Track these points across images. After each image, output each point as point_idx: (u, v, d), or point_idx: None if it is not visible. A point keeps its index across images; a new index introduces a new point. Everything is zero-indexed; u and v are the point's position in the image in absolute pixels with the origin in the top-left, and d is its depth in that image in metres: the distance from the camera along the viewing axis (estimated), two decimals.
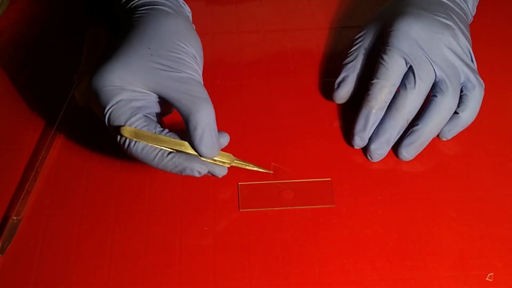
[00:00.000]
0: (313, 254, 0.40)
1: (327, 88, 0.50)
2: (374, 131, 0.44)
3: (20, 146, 0.47)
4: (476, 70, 0.45)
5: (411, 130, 0.44)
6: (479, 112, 0.46)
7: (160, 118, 0.42)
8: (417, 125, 0.43)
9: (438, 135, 0.45)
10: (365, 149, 0.45)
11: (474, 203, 0.43)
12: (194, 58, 0.41)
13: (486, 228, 0.41)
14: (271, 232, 0.41)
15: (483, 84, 0.44)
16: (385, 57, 0.44)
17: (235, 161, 0.41)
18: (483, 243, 0.41)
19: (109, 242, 0.41)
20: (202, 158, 0.38)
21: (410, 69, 0.43)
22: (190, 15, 0.46)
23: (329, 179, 0.44)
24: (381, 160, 0.45)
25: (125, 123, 0.38)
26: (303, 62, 0.52)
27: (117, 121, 0.38)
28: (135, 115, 0.38)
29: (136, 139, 0.37)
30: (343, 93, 0.47)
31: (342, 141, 0.46)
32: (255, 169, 0.42)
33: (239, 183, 0.44)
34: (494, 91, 0.49)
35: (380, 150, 0.44)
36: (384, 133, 0.44)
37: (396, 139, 0.44)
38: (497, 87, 0.50)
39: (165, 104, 0.40)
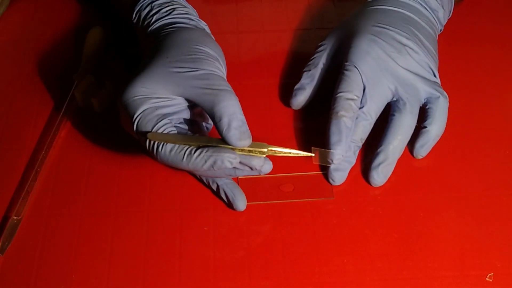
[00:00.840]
0: (313, 254, 0.40)
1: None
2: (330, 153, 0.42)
3: (20, 146, 0.47)
4: (439, 83, 0.45)
5: (376, 152, 0.43)
6: (479, 112, 0.45)
7: (195, 126, 0.42)
8: (380, 146, 0.43)
9: (412, 154, 0.45)
10: (326, 173, 0.44)
11: (474, 203, 0.43)
12: (214, 57, 0.41)
13: (486, 228, 0.41)
14: (271, 232, 0.41)
15: (447, 96, 0.44)
16: (346, 72, 0.43)
17: (271, 148, 0.38)
18: (483, 243, 0.41)
19: (109, 242, 0.41)
20: (235, 151, 0.37)
21: (364, 89, 0.43)
22: (207, 28, 0.47)
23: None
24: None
25: (152, 129, 0.37)
26: (303, 62, 0.52)
27: (145, 128, 0.38)
28: (161, 120, 0.38)
29: (163, 141, 0.37)
30: (300, 100, 0.47)
31: None
32: (297, 154, 0.39)
33: (239, 177, 0.44)
34: (494, 91, 0.49)
35: (340, 171, 0.43)
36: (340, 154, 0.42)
37: (354, 159, 0.43)
38: (497, 87, 0.50)
39: (197, 111, 0.41)
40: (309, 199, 0.43)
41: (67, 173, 0.45)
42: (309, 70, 0.48)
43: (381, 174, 0.43)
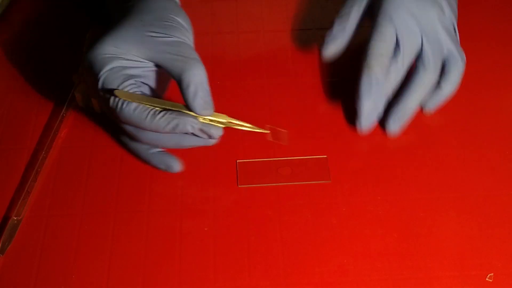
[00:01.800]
0: (313, 254, 0.40)
1: (328, 88, 0.50)
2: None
3: (20, 146, 0.47)
4: (459, 43, 0.46)
5: (395, 103, 0.45)
6: (479, 112, 0.45)
7: (157, 94, 0.42)
8: (400, 98, 0.45)
9: (421, 109, 0.46)
10: (355, 122, 0.45)
11: (474, 203, 0.43)
12: (185, 28, 0.42)
13: (486, 228, 0.41)
14: (271, 232, 0.41)
15: (465, 58, 0.46)
16: (380, 25, 0.44)
17: (230, 121, 0.40)
18: (483, 243, 0.41)
19: (109, 242, 0.41)
20: (197, 117, 0.38)
21: (397, 39, 0.44)
22: (178, 1, 0.47)
23: (325, 156, 0.45)
24: (380, 160, 0.45)
25: (118, 86, 0.38)
26: (303, 62, 0.52)
27: (110, 85, 0.38)
28: (127, 80, 0.38)
29: (129, 99, 0.37)
30: (331, 49, 0.47)
31: (342, 138, 0.46)
32: (251, 129, 0.41)
33: (237, 160, 0.44)
34: (494, 91, 0.49)
35: (369, 121, 0.45)
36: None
37: (383, 109, 0.45)
38: (497, 87, 0.50)
39: (161, 80, 0.41)
40: (307, 182, 0.43)
41: (67, 173, 0.45)
42: (341, 20, 0.47)
43: (396, 124, 0.45)
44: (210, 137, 0.40)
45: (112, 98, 0.38)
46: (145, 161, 0.44)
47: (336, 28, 0.47)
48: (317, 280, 0.39)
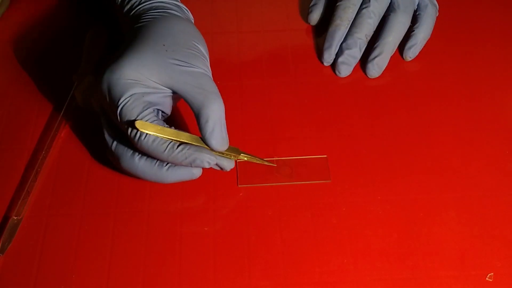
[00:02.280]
0: (313, 254, 0.40)
1: (328, 88, 0.50)
2: (339, 48, 0.50)
3: (20, 146, 0.47)
4: None
5: (373, 47, 0.50)
6: (479, 112, 0.45)
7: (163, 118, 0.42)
8: (376, 41, 0.50)
9: (402, 56, 0.51)
10: (334, 66, 0.51)
11: (474, 203, 0.43)
12: (205, 57, 0.42)
13: (486, 228, 0.41)
14: (272, 232, 0.41)
15: (436, 4, 0.52)
16: None
17: (242, 154, 0.42)
18: (483, 243, 0.41)
19: (109, 242, 0.41)
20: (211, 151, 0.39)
21: None
22: (193, 21, 0.47)
23: (325, 156, 0.45)
24: (380, 160, 0.45)
25: (137, 116, 0.38)
26: (303, 62, 0.52)
27: (129, 114, 0.38)
28: (147, 109, 0.38)
29: (147, 132, 0.37)
30: (315, 16, 0.54)
31: (342, 138, 0.46)
32: (261, 162, 0.44)
33: (237, 160, 0.44)
34: (494, 91, 0.49)
35: (346, 64, 0.50)
36: (347, 47, 0.50)
37: (359, 54, 0.50)
38: (497, 87, 0.50)
39: (173, 103, 0.42)
40: (307, 182, 0.43)
41: (67, 173, 0.45)
42: None
43: (376, 66, 0.50)
44: (222, 169, 0.41)
45: (129, 129, 0.38)
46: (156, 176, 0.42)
47: None
48: (317, 280, 0.39)
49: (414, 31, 0.50)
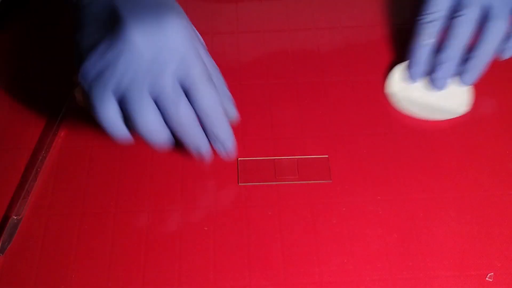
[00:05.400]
0: (313, 254, 0.40)
1: (328, 89, 0.50)
2: (435, 62, 0.47)
3: (20, 146, 0.47)
4: None
5: (468, 57, 0.47)
6: (479, 111, 0.45)
7: None
8: (473, 51, 0.46)
9: (498, 56, 0.47)
10: (429, 80, 0.48)
11: (474, 203, 0.43)
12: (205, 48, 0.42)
13: (486, 228, 0.41)
14: (272, 232, 0.41)
15: None
16: None
17: None
18: (483, 243, 0.41)
19: (109, 242, 0.41)
20: None
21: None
22: None
23: (327, 156, 0.45)
24: (380, 159, 0.45)
25: None
26: (303, 62, 0.52)
27: None
28: None
29: None
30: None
31: (343, 138, 0.46)
32: None
33: (238, 158, 0.44)
34: (494, 91, 0.49)
35: (442, 79, 0.47)
36: (441, 62, 0.46)
37: (456, 66, 0.47)
38: (497, 87, 0.50)
39: None
40: (307, 182, 0.43)
41: (67, 173, 0.45)
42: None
43: (471, 76, 0.47)
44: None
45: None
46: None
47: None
48: (317, 280, 0.39)
49: (510, 32, 0.46)
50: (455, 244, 0.41)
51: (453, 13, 0.46)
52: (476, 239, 0.41)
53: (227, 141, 0.40)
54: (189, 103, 0.37)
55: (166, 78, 0.36)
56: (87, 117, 0.48)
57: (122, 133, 0.37)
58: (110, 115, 0.36)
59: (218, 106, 0.38)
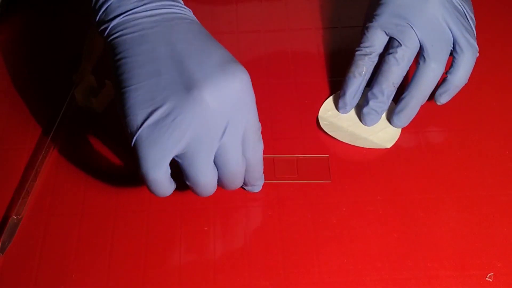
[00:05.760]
0: (313, 254, 0.40)
1: (327, 88, 0.50)
2: (366, 98, 0.46)
3: (20, 146, 0.47)
4: (472, 31, 0.45)
5: (399, 98, 0.45)
6: (479, 112, 0.45)
7: None
8: (404, 93, 0.45)
9: (433, 100, 0.46)
10: (360, 115, 0.47)
11: (474, 203, 0.43)
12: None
13: (486, 228, 0.41)
14: (271, 232, 0.41)
15: (475, 46, 0.44)
16: (367, 26, 0.45)
17: None
18: (483, 243, 0.41)
19: (109, 242, 0.41)
20: None
21: (393, 36, 0.44)
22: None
23: (327, 155, 0.45)
24: (380, 160, 0.45)
25: None
26: (303, 62, 0.52)
27: None
28: None
29: None
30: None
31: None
32: None
33: None
34: (494, 91, 0.49)
35: (371, 115, 0.46)
36: (373, 97, 0.45)
37: (387, 103, 0.45)
38: (497, 87, 0.50)
39: None
40: (306, 181, 0.44)
41: (67, 173, 0.45)
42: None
43: (402, 119, 0.45)
44: None
45: None
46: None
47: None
48: (317, 280, 0.39)
49: (447, 76, 0.44)
50: (455, 244, 0.41)
51: (388, 50, 0.44)
52: (476, 239, 0.41)
53: (260, 186, 0.43)
54: (243, 159, 0.37)
55: (232, 140, 0.35)
56: (87, 117, 0.48)
57: (168, 192, 0.37)
58: (161, 179, 0.35)
59: (262, 158, 0.39)
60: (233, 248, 0.41)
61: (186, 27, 0.37)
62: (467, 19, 0.45)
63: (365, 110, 0.46)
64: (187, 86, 0.34)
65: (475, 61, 0.44)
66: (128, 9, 0.36)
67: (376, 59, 0.46)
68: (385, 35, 0.45)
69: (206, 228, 0.42)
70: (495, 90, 0.49)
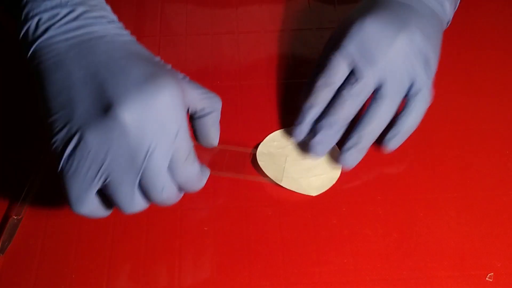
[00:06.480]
0: (313, 254, 0.40)
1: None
2: (315, 127, 0.43)
3: (20, 146, 0.47)
4: (430, 76, 0.43)
5: (350, 134, 0.43)
6: (479, 111, 0.45)
7: None
8: (355, 129, 0.42)
9: (381, 145, 0.44)
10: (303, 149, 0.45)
11: (474, 203, 0.43)
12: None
13: (486, 228, 0.41)
14: (271, 232, 0.41)
15: (430, 94, 0.43)
16: (331, 57, 0.43)
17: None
18: (483, 243, 0.41)
19: (109, 242, 0.41)
20: None
21: (353, 70, 0.42)
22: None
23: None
24: (380, 160, 0.45)
25: None
26: (303, 62, 0.52)
27: None
28: None
29: None
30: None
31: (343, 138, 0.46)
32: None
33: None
34: (494, 91, 0.49)
35: (320, 145, 0.43)
36: (321, 128, 0.43)
37: (336, 137, 0.43)
38: (497, 87, 0.50)
39: None
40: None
41: None
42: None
43: (350, 157, 0.43)
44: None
45: None
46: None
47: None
48: (317, 280, 0.39)
49: (398, 119, 0.43)
50: (455, 244, 0.41)
51: (345, 84, 0.43)
52: (476, 239, 0.41)
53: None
54: (172, 184, 0.36)
55: (156, 165, 0.33)
56: None
57: (105, 215, 0.36)
58: (88, 211, 0.34)
59: (196, 179, 0.38)
60: (233, 248, 0.41)
61: (104, 47, 0.35)
62: (429, 66, 0.43)
63: (314, 140, 0.43)
64: (103, 109, 0.32)
65: (427, 108, 0.43)
66: (43, 33, 0.35)
67: (335, 91, 0.43)
68: (348, 67, 0.43)
69: (206, 228, 0.42)
70: (495, 90, 0.49)
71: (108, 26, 0.36)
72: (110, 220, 0.42)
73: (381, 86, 0.42)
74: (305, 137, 0.44)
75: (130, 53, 0.35)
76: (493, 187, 0.43)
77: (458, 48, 0.53)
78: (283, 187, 0.43)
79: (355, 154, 0.43)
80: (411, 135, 0.46)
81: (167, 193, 0.35)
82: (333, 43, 0.45)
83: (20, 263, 0.40)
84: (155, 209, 0.43)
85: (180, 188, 0.37)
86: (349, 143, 0.43)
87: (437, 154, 0.45)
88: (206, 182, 0.39)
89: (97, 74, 0.33)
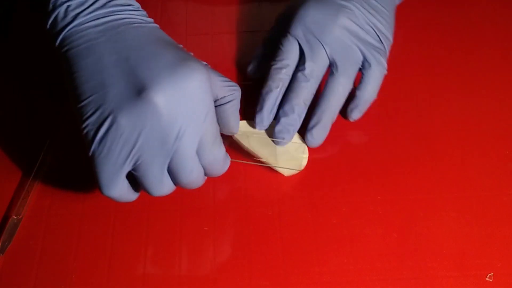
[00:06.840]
0: (313, 254, 0.40)
1: None
2: (276, 115, 0.45)
3: (20, 146, 0.47)
4: (382, 50, 0.45)
5: (311, 114, 0.44)
6: (479, 111, 0.45)
7: None
8: (315, 109, 0.44)
9: (345, 117, 0.46)
10: (273, 135, 0.45)
11: (474, 203, 0.43)
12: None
13: (486, 228, 0.41)
14: (271, 232, 0.41)
15: (384, 64, 0.45)
16: (282, 41, 0.45)
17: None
18: (483, 243, 0.41)
19: (109, 242, 0.41)
20: None
21: (303, 52, 0.44)
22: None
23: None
24: (379, 160, 0.45)
25: None
26: None
27: None
28: None
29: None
30: (252, 69, 0.49)
31: (343, 137, 0.46)
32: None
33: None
34: (494, 91, 0.49)
35: (284, 133, 0.44)
36: (283, 115, 0.44)
37: (299, 121, 0.44)
38: (497, 87, 0.50)
39: None
40: (275, 166, 0.44)
41: (67, 173, 0.45)
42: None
43: (315, 136, 0.44)
44: None
45: None
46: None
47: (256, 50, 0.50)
48: (317, 280, 0.39)
49: (356, 92, 0.45)
50: (455, 244, 0.41)
51: (298, 67, 0.44)
52: (476, 239, 0.41)
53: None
54: (200, 166, 0.36)
55: (185, 148, 0.34)
56: None
57: (131, 199, 0.37)
58: (118, 194, 0.35)
59: (222, 163, 0.38)
60: (233, 248, 0.41)
61: (133, 32, 0.36)
62: (379, 38, 0.44)
63: (277, 128, 0.44)
64: (136, 92, 0.33)
65: (382, 78, 0.45)
66: (73, 20, 0.35)
67: (291, 73, 0.44)
68: (299, 48, 0.44)
69: (206, 228, 0.42)
70: (495, 90, 0.49)
71: (135, 13, 0.37)
72: (110, 220, 0.42)
73: (333, 63, 0.44)
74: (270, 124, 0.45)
75: (158, 38, 0.36)
76: (493, 187, 0.43)
77: (458, 48, 0.53)
78: (283, 188, 0.43)
79: (319, 132, 0.44)
80: (411, 134, 0.46)
81: (195, 175, 0.36)
82: (283, 25, 0.46)
83: (20, 263, 0.40)
84: (155, 209, 0.43)
85: (204, 173, 0.38)
86: (312, 122, 0.44)
87: (437, 154, 0.45)
88: (206, 182, 0.39)
89: (128, 58, 0.34)
